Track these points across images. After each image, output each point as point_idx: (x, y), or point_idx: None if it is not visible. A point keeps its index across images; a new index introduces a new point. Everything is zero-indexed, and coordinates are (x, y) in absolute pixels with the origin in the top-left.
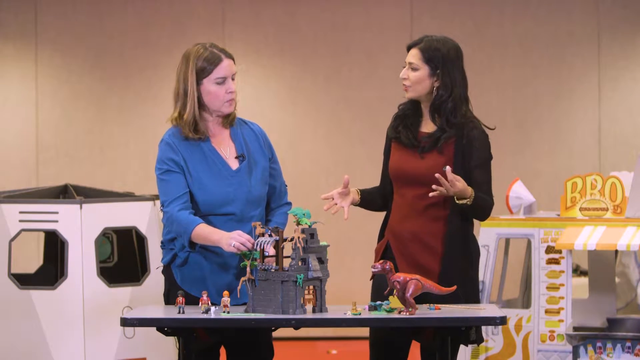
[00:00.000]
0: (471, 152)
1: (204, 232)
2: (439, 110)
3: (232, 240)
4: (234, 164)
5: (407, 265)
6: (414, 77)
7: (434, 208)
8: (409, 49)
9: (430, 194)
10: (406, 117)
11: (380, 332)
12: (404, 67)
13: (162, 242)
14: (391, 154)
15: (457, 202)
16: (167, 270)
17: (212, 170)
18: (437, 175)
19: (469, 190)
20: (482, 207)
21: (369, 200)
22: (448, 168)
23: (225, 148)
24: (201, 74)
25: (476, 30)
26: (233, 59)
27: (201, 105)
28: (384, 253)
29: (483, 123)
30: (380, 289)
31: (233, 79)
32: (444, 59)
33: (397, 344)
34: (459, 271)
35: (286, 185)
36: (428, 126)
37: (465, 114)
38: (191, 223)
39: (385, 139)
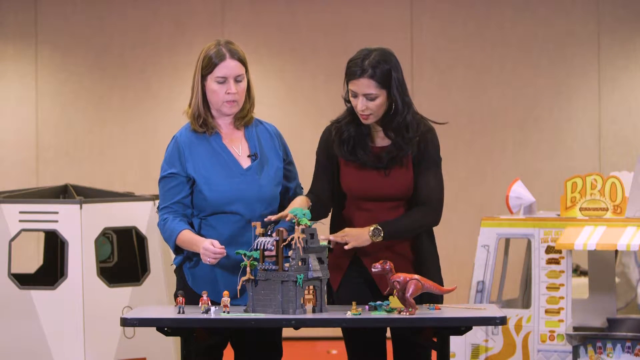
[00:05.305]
0: (424, 155)
1: (186, 240)
2: (392, 124)
3: (204, 257)
4: (245, 163)
5: None
6: (374, 105)
7: None
8: (349, 80)
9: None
10: (355, 136)
11: (355, 332)
12: (354, 96)
13: None
14: (343, 171)
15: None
16: (179, 271)
17: (222, 167)
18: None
19: (365, 235)
20: (411, 228)
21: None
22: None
23: (238, 146)
24: (205, 69)
25: (476, 30)
26: (242, 61)
27: (207, 101)
28: (351, 266)
29: (432, 120)
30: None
31: (238, 81)
32: (393, 73)
33: (373, 342)
34: (433, 272)
35: (302, 188)
36: (380, 139)
37: (417, 121)
38: (175, 230)
39: (320, 154)
